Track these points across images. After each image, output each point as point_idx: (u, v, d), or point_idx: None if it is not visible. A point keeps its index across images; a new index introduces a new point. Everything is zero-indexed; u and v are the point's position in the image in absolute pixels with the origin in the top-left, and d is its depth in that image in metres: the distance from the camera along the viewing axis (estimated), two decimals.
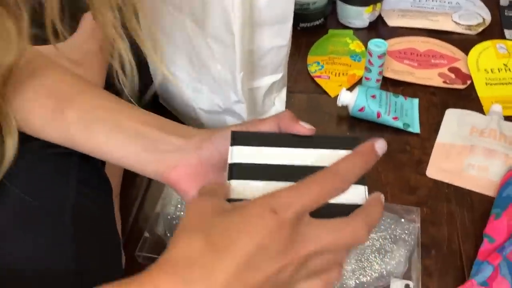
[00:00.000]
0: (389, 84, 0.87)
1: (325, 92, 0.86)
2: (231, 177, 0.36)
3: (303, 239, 0.30)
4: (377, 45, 0.79)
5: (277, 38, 0.63)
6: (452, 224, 0.66)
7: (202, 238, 0.29)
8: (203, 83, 0.68)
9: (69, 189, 0.47)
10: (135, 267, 0.61)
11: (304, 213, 0.31)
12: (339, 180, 0.33)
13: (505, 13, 1.01)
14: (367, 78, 0.83)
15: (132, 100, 0.52)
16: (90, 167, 0.51)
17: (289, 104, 0.78)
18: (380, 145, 0.36)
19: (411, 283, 0.58)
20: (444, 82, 0.87)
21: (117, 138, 0.44)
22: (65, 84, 0.49)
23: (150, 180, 0.72)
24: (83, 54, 0.68)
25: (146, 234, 0.63)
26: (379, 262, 0.60)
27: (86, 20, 0.73)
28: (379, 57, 0.79)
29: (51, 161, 0.48)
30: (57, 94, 0.47)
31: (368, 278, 0.58)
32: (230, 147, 0.39)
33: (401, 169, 0.73)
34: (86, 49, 0.69)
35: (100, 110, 0.46)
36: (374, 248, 0.61)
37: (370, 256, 0.60)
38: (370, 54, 0.80)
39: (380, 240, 0.62)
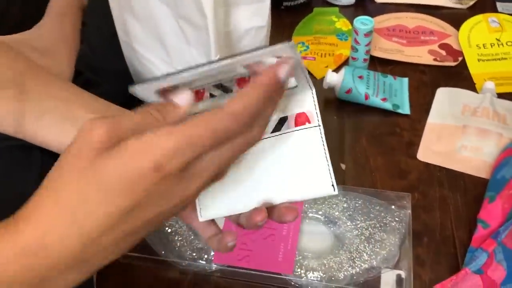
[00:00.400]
0: (378, 63, 0.83)
1: (310, 74, 0.82)
2: None
3: (193, 177, 0.29)
4: (363, 22, 0.75)
5: (255, 18, 0.59)
6: (445, 210, 0.63)
7: (74, 190, 0.27)
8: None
9: (29, 183, 0.44)
10: (109, 267, 0.58)
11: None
12: (239, 125, 0.29)
13: None
14: (353, 58, 0.79)
15: None
16: (53, 160, 0.48)
17: None
18: (282, 70, 0.31)
19: (402, 273, 0.56)
20: (435, 59, 0.83)
21: (68, 130, 0.42)
22: (20, 73, 0.46)
23: None
24: (50, 43, 0.64)
25: None
26: (368, 253, 0.57)
27: (53, 6, 0.69)
28: (366, 35, 0.75)
29: (10, 154, 0.45)
30: (11, 83, 0.44)
31: (358, 269, 0.56)
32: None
33: (390, 152, 0.70)
34: (53, 37, 0.65)
35: (53, 100, 0.43)
36: (364, 238, 0.58)
37: (360, 246, 0.57)
38: (356, 33, 0.76)
39: (370, 229, 0.59)
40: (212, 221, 0.39)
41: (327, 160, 0.37)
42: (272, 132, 0.38)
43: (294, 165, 0.38)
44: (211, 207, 0.38)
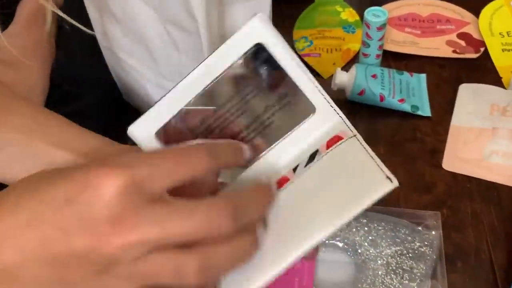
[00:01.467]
0: (390, 58, 0.74)
1: (316, 73, 0.73)
2: None
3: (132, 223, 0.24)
4: (375, 14, 0.67)
5: None
6: (479, 228, 0.55)
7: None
8: (168, 78, 0.56)
9: None
10: None
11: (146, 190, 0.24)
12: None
13: None
14: (365, 54, 0.70)
15: None
16: None
17: None
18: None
19: None
20: (454, 51, 0.75)
21: (30, 167, 0.35)
22: None
23: None
24: (18, 52, 0.55)
25: None
26: (396, 285, 0.49)
27: (22, 10, 0.60)
28: (379, 28, 0.67)
29: None
30: None
31: None
32: None
33: (412, 162, 0.62)
34: (22, 45, 0.57)
35: (14, 131, 0.37)
36: (390, 269, 0.50)
37: (385, 279, 0.50)
38: (368, 26, 0.67)
39: (396, 257, 0.51)
40: None
41: (373, 159, 0.31)
42: (305, 167, 0.33)
43: (336, 188, 0.32)
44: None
